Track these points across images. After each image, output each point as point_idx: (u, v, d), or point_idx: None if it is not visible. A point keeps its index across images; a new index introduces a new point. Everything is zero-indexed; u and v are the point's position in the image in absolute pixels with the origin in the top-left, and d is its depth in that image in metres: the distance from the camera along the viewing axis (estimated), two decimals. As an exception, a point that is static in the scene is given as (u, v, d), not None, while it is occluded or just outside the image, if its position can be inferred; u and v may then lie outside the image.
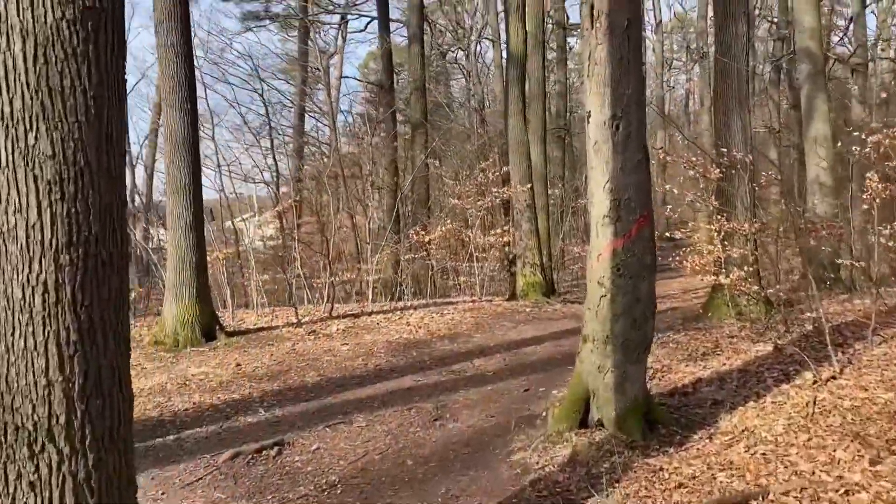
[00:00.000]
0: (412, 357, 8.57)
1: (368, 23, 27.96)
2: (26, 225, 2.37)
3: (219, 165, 16.26)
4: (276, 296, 14.01)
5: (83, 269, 2.43)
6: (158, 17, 9.51)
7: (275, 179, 20.70)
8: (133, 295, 12.18)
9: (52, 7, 2.39)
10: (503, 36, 21.11)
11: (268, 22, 28.53)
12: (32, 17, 2.37)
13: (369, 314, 11.87)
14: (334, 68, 31.05)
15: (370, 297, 13.34)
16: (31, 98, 2.37)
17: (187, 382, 7.65)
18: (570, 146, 26.16)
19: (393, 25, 25.90)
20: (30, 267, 2.37)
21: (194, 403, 6.91)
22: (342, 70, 30.73)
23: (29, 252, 2.38)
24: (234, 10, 26.01)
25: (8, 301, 2.39)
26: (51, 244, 2.38)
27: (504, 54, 19.41)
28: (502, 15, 21.69)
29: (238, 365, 8.23)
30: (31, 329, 2.39)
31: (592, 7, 4.75)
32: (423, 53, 21.45)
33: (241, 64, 24.45)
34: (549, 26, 22.93)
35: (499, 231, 14.13)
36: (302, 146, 27.01)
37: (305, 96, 28.11)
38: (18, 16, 2.36)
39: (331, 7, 28.81)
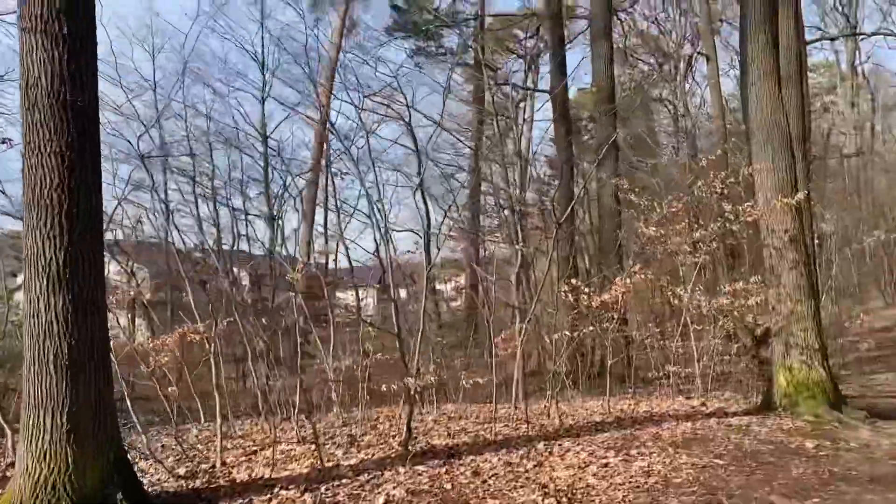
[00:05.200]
0: None
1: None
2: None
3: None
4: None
5: None
6: None
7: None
8: None
9: None
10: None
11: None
12: None
13: (491, 445, 6.31)
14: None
15: (522, 399, 7.74)
16: None
17: None
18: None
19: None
20: None
21: None
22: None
23: None
24: (403, 45, 22.46)
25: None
26: None
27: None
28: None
29: None
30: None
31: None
32: (612, 52, 15.91)
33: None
34: None
35: (737, 287, 7.87)
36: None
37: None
38: None
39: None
